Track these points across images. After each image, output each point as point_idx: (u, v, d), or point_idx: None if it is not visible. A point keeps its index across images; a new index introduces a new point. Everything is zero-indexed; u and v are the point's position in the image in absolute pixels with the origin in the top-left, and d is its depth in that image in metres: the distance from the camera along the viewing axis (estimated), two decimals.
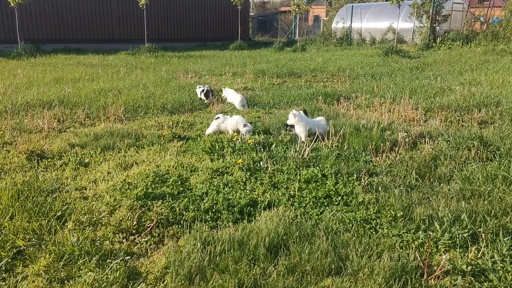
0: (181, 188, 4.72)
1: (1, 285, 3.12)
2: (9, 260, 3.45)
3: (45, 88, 10.60)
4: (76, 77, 12.53)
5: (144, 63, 16.63)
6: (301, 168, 5.21)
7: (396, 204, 4.15)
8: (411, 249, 3.51)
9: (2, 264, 3.37)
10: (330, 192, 4.55)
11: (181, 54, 20.71)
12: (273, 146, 6.05)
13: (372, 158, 5.68)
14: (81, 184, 5.04)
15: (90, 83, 11.58)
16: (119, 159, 5.84)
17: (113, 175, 5.25)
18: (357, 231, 3.79)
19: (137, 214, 4.12)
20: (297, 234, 3.60)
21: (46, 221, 3.99)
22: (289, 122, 6.46)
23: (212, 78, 13.08)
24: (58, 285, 3.13)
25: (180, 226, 4.00)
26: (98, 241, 3.71)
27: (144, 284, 3.13)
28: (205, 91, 9.64)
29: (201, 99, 9.71)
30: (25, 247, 3.61)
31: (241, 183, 4.94)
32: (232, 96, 9.44)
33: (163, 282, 3.16)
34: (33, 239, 3.72)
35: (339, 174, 5.03)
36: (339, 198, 4.45)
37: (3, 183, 4.75)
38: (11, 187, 4.56)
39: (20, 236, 3.72)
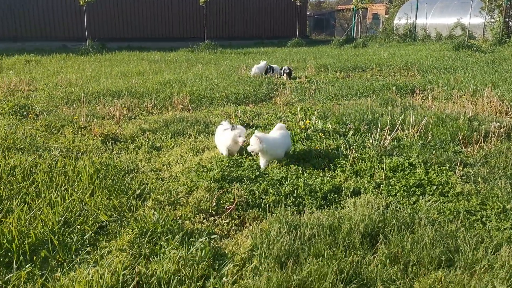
0: (258, 173, 4.50)
1: (86, 258, 3.03)
2: (92, 234, 3.38)
3: (113, 80, 10.86)
4: (141, 70, 12.78)
5: (204, 59, 16.75)
6: (383, 157, 4.83)
7: (504, 196, 3.67)
8: None
9: (86, 238, 3.30)
10: (422, 181, 4.14)
11: (240, 51, 20.71)
12: (350, 134, 5.70)
13: (462, 148, 5.18)
14: (155, 166, 4.97)
15: (154, 75, 11.75)
16: (190, 144, 5.75)
17: (186, 159, 5.14)
18: (462, 223, 3.37)
19: (216, 195, 3.95)
20: (394, 222, 3.25)
21: (126, 199, 3.92)
22: (251, 148, 4.62)
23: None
24: (144, 260, 3.00)
25: (260, 209, 3.78)
26: (179, 220, 3.56)
27: (231, 265, 2.92)
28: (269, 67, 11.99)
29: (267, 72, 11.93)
30: (107, 223, 3.53)
31: (318, 169, 4.64)
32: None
33: (251, 264, 2.94)
34: (115, 216, 3.64)
35: (428, 164, 4.60)
36: (433, 187, 4.03)
37: (82, 162, 4.78)
38: (90, 166, 4.56)
39: (102, 212, 3.65)
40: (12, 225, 3.30)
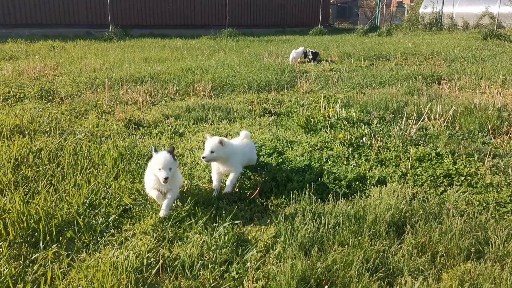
0: (280, 160, 4.46)
1: (111, 240, 3.06)
2: (117, 217, 3.41)
3: (136, 66, 10.92)
4: (163, 57, 12.81)
5: (226, 46, 16.68)
6: (408, 146, 4.72)
7: None
8: None
9: (111, 220, 3.33)
10: (450, 172, 4.03)
11: (261, 38, 20.54)
12: (375, 123, 5.59)
13: (491, 139, 5.02)
14: (178, 151, 4.98)
15: (176, 62, 11.76)
16: (213, 130, 5.74)
17: None
18: (491, 215, 3.27)
19: (238, 182, 3.93)
20: (421, 212, 3.17)
21: None
22: (209, 155, 3.60)
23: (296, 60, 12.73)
24: (167, 244, 3.01)
25: (284, 196, 3.74)
26: (202, 205, 3.56)
27: (255, 251, 2.91)
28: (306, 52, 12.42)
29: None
30: (131, 206, 3.56)
31: (343, 158, 4.57)
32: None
33: (274, 250, 2.92)
34: (138, 199, 3.66)
35: (455, 154, 4.48)
36: (462, 178, 3.92)
37: (106, 146, 4.82)
38: (114, 150, 4.60)
39: (126, 195, 3.68)
40: (38, 206, 3.36)
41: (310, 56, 12.44)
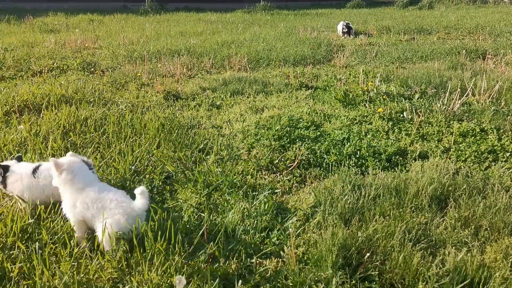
0: (318, 133, 4.45)
1: (154, 206, 3.18)
2: (160, 183, 3.53)
3: (172, 39, 11.00)
4: (199, 31, 12.83)
5: (261, 20, 16.49)
6: (451, 122, 4.60)
7: None
8: None
9: (155, 186, 3.46)
10: (495, 148, 3.92)
11: (296, 12, 20.15)
12: (416, 97, 5.46)
13: None
14: (216, 123, 5.05)
15: (212, 36, 11.76)
16: (249, 103, 5.76)
17: (245, 117, 5.18)
18: None
19: (277, 153, 3.97)
20: (465, 186, 3.12)
21: (190, 152, 4.04)
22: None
23: (332, 35, 12.47)
24: (208, 210, 3.10)
25: (322, 168, 3.76)
26: (241, 175, 3.63)
27: (295, 219, 2.96)
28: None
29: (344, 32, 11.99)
30: (173, 173, 3.67)
31: (382, 132, 4.51)
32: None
33: (314, 219, 2.96)
34: (180, 167, 3.77)
35: (501, 130, 4.34)
36: (507, 154, 3.81)
37: (147, 116, 4.95)
38: (155, 120, 4.72)
39: (168, 163, 3.79)
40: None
41: (345, 30, 12.16)
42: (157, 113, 5.14)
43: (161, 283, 2.29)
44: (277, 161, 3.84)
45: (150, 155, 3.98)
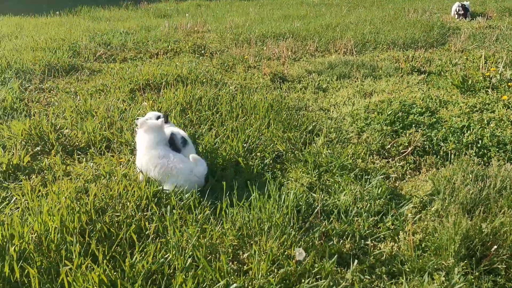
0: (434, 119, 4.22)
1: (269, 179, 3.29)
2: (270, 161, 3.65)
3: (276, 23, 11.11)
4: (302, 14, 12.77)
5: (367, 1, 15.88)
6: None
7: None
8: None
9: (266, 163, 3.59)
10: None
11: None
12: None
13: None
14: (322, 105, 5.05)
15: (315, 19, 11.64)
16: (357, 87, 5.64)
17: (354, 101, 5.09)
18: None
19: (389, 138, 3.87)
20: None
21: (299, 133, 4.10)
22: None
23: (445, 16, 11.59)
24: (319, 191, 3.15)
25: (438, 156, 3.58)
26: (351, 158, 3.60)
27: (411, 205, 2.88)
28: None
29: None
30: (283, 152, 3.77)
31: (507, 121, 4.13)
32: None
33: (432, 207, 2.85)
34: (289, 147, 3.85)
35: None
36: None
37: (256, 97, 5.11)
38: (264, 101, 4.86)
39: (278, 142, 3.90)
40: (206, 146, 3.76)
41: (461, 11, 11.21)
42: (264, 94, 5.28)
43: (278, 253, 2.39)
44: (389, 146, 3.74)
45: (260, 134, 4.12)
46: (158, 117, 3.52)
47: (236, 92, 5.38)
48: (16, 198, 3.06)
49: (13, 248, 2.36)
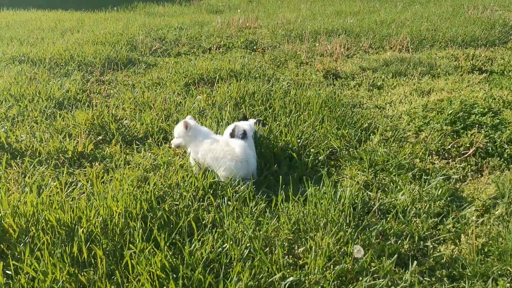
0: (497, 120, 4.02)
1: (324, 175, 3.28)
2: (324, 158, 3.62)
3: (328, 19, 10.97)
4: (355, 10, 12.54)
5: None
6: None
7: None
8: None
9: (319, 160, 3.56)
10: None
11: None
12: None
13: None
14: (378, 103, 4.95)
15: (369, 15, 11.38)
16: (414, 85, 5.48)
17: (410, 99, 4.95)
18: None
19: (449, 138, 3.73)
20: None
21: (353, 130, 4.04)
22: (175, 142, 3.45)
23: (508, 14, 10.97)
24: (375, 189, 3.09)
25: (502, 159, 3.42)
26: (408, 157, 3.51)
27: (473, 208, 2.77)
28: None
29: None
30: (338, 149, 3.74)
31: None
32: None
33: (496, 211, 2.73)
34: (344, 144, 3.81)
35: None
36: None
37: (310, 93, 5.09)
38: (318, 97, 4.82)
39: (332, 139, 3.86)
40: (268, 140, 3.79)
41: None
42: (318, 91, 5.25)
43: (334, 250, 2.38)
44: (449, 146, 3.61)
45: (314, 130, 4.10)
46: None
47: (289, 87, 5.38)
48: (82, 184, 3.23)
49: (81, 230, 2.51)
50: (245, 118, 3.90)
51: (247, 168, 3.15)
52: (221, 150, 3.15)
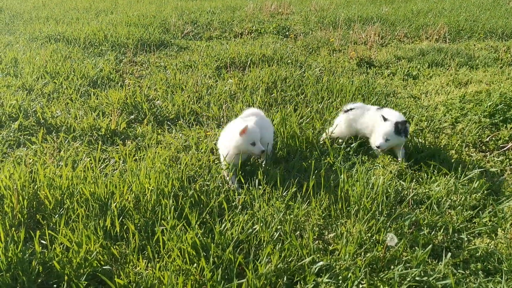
0: None
1: (358, 163, 3.22)
2: (357, 145, 3.56)
3: (363, 6, 10.74)
4: None
5: None
6: None
7: None
8: None
9: (352, 147, 3.50)
10: None
11: None
12: None
13: None
14: (412, 93, 4.82)
15: (405, 4, 11.07)
16: (451, 75, 5.31)
17: (447, 90, 4.80)
18: None
19: (487, 131, 3.60)
20: None
21: None
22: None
23: None
24: (408, 179, 3.02)
25: None
26: (444, 149, 3.41)
27: (511, 203, 2.67)
28: None
29: None
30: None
31: None
32: None
33: None
34: None
35: None
36: None
37: (342, 80, 5.00)
38: (351, 84, 4.73)
39: None
40: (292, 127, 3.76)
41: None
42: (351, 78, 5.15)
43: (365, 237, 2.35)
44: (487, 139, 3.49)
45: None
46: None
47: (322, 74, 5.31)
48: (115, 160, 3.29)
49: (114, 205, 2.55)
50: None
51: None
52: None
